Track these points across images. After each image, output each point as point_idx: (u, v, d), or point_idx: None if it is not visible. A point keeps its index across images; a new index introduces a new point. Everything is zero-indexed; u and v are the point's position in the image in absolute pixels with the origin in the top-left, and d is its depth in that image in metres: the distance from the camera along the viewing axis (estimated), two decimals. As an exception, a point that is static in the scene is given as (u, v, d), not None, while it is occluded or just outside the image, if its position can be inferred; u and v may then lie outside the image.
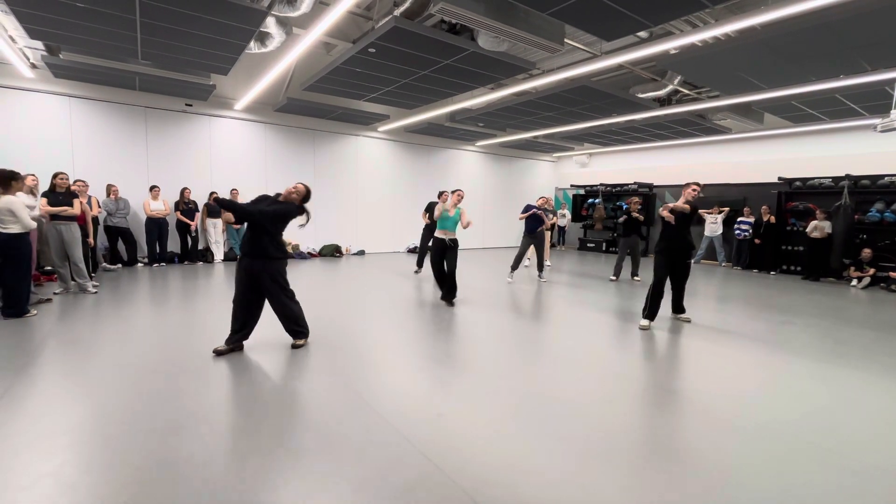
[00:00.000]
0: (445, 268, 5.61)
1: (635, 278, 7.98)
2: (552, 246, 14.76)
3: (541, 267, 7.76)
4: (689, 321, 5.01)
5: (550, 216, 7.86)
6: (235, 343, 3.59)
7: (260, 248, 3.49)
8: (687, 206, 4.78)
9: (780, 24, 4.54)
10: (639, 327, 4.71)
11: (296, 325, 3.75)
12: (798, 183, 9.63)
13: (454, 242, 5.60)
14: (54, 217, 5.35)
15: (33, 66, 7.07)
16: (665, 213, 4.82)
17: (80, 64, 6.50)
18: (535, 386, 3.11)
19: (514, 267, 7.57)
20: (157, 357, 3.45)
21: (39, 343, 3.69)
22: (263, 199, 3.76)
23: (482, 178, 13.74)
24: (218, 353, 3.50)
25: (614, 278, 7.97)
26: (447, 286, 5.62)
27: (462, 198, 5.66)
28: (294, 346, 3.72)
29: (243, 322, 3.60)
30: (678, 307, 5.12)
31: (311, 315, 4.68)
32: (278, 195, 3.77)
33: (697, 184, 4.86)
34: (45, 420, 2.42)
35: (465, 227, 5.50)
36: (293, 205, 3.69)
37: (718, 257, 10.70)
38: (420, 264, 8.16)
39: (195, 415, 2.52)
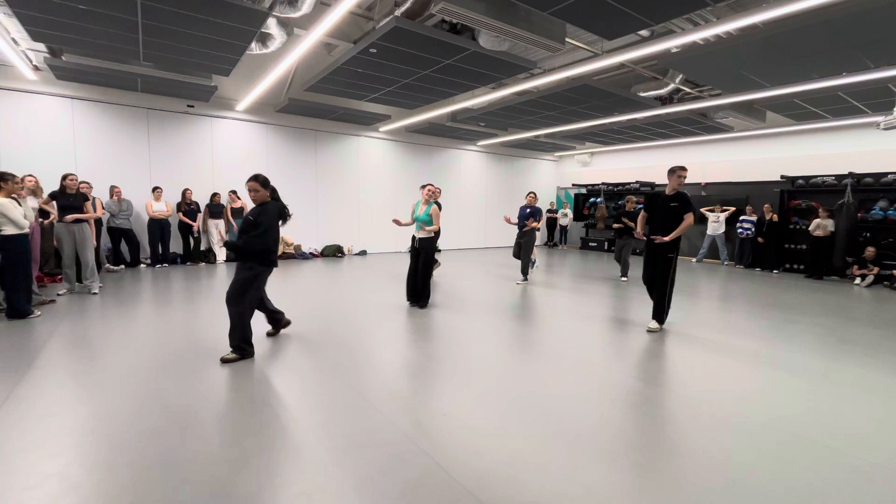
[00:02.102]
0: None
1: (622, 279, 7.87)
2: (554, 245, 14.81)
3: (524, 269, 7.31)
4: (657, 330, 4.50)
5: (541, 217, 7.43)
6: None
7: None
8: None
9: (781, 22, 4.52)
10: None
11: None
12: (801, 181, 9.61)
13: (422, 243, 5.34)
14: (63, 218, 5.42)
15: (36, 68, 7.10)
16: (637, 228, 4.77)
17: (82, 66, 6.52)
18: (537, 385, 3.11)
19: (522, 269, 7.37)
20: (161, 358, 3.46)
21: (44, 344, 3.71)
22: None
23: (484, 178, 13.74)
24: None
25: (624, 279, 7.90)
26: (418, 289, 5.38)
27: (431, 193, 5.38)
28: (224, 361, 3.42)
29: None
30: (654, 312, 4.58)
31: (313, 315, 4.70)
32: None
33: (683, 168, 4.48)
34: (50, 421, 2.43)
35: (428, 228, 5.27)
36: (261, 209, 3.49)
37: (721, 256, 10.67)
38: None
39: (198, 415, 2.53)
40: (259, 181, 3.45)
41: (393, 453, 2.19)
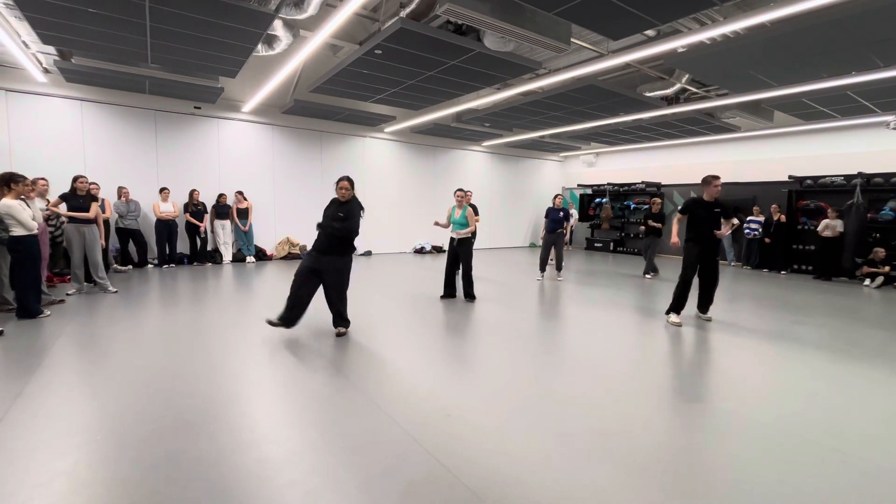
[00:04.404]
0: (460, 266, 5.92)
1: (646, 276, 8.26)
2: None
3: (559, 266, 7.80)
4: (710, 320, 5.01)
5: (572, 219, 8.04)
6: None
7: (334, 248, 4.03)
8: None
9: (789, 21, 4.48)
10: (669, 322, 4.86)
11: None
12: (809, 181, 9.51)
13: (460, 243, 5.82)
14: (74, 219, 5.48)
15: (46, 70, 7.18)
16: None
17: (91, 68, 6.60)
18: (543, 385, 3.10)
19: (542, 267, 7.76)
20: (168, 357, 3.49)
21: (53, 344, 3.75)
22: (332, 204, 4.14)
23: (488, 179, 13.72)
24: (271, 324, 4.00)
25: (650, 275, 8.31)
26: (463, 285, 5.89)
27: (461, 197, 5.89)
28: (338, 335, 4.13)
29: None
30: (703, 305, 5.09)
31: (318, 315, 4.72)
32: (336, 199, 4.12)
33: (716, 177, 4.90)
34: (59, 419, 2.46)
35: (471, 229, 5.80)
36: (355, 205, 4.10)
37: (728, 256, 10.60)
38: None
39: (205, 414, 2.55)
40: (350, 181, 4.07)
41: (397, 453, 2.19)
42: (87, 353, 3.59)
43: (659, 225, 8.29)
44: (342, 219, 3.95)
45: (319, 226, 4.03)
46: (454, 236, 5.85)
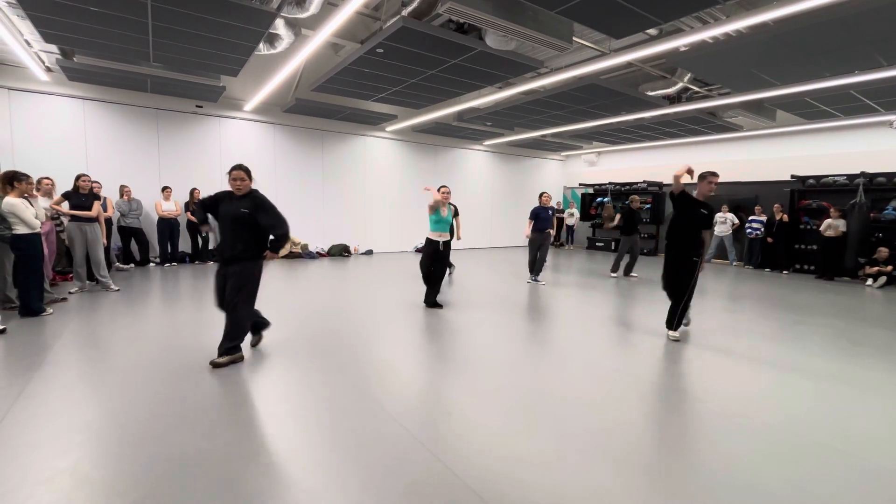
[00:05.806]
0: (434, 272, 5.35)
1: (632, 276, 8.20)
2: (560, 245, 14.76)
3: (539, 269, 7.28)
4: (677, 339, 4.24)
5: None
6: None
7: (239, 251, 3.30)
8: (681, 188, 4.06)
9: (792, 20, 4.46)
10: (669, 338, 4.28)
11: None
12: (811, 181, 9.49)
13: (447, 246, 5.39)
14: (76, 217, 5.50)
15: (48, 69, 7.20)
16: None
17: (93, 67, 6.61)
18: (543, 384, 3.10)
19: (532, 269, 7.23)
20: (170, 356, 3.50)
21: (56, 342, 3.76)
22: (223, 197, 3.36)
23: (490, 178, 13.71)
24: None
25: (614, 274, 8.26)
26: (434, 290, 5.36)
27: (447, 195, 5.41)
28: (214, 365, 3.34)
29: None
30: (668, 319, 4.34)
31: (321, 314, 4.72)
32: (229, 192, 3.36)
33: (714, 174, 4.20)
34: (62, 417, 2.47)
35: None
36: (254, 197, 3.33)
37: (729, 256, 10.58)
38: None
39: (206, 412, 2.56)
40: (245, 170, 3.30)
41: (398, 452, 2.19)
42: (89, 351, 3.60)
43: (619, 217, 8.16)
44: (249, 214, 3.22)
45: (210, 229, 3.33)
46: (442, 239, 5.31)
